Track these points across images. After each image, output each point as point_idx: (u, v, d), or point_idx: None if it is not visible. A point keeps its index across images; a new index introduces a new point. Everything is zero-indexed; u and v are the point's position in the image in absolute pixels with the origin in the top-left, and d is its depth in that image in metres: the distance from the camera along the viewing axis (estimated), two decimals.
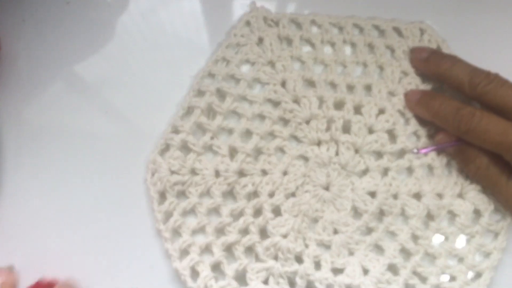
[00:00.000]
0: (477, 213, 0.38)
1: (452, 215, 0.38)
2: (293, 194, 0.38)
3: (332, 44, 0.41)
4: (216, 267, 0.37)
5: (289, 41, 0.41)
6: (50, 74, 0.42)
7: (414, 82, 0.40)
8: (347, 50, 0.41)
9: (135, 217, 0.39)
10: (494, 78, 0.36)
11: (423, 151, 0.38)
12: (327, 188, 0.38)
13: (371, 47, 0.41)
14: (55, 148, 0.40)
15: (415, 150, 0.38)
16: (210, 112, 0.40)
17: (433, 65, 0.38)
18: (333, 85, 0.40)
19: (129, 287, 0.37)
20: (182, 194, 0.38)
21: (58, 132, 0.40)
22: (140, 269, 0.38)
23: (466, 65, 0.37)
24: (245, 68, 0.41)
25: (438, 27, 0.41)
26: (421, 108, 0.38)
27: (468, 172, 0.38)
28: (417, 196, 0.38)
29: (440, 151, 0.38)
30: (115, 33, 0.43)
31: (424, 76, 0.40)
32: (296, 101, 0.39)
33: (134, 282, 0.38)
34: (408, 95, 0.39)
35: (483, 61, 0.37)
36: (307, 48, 0.41)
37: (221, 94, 0.40)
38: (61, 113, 0.41)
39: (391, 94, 0.40)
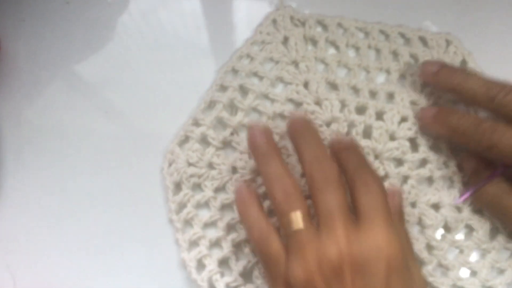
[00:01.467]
0: (496, 229, 0.37)
1: (469, 229, 0.38)
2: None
3: (357, 49, 0.41)
4: (224, 263, 0.37)
5: (314, 42, 0.41)
6: (50, 74, 0.42)
7: (437, 92, 0.39)
8: (372, 55, 0.41)
9: (136, 215, 0.39)
10: (510, 89, 0.34)
11: (463, 198, 0.37)
12: None
13: (395, 54, 0.41)
14: (55, 148, 0.40)
15: (455, 201, 0.37)
16: (232, 107, 0.40)
17: (444, 79, 0.36)
18: (355, 90, 0.40)
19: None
20: (197, 187, 0.39)
21: (58, 132, 0.40)
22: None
23: (479, 77, 0.35)
24: (268, 66, 0.41)
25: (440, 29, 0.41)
26: (438, 125, 0.36)
27: (480, 203, 0.37)
28: (436, 206, 0.38)
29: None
30: (115, 33, 0.43)
31: None
32: (318, 103, 0.39)
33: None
34: (422, 112, 0.38)
35: (484, 61, 0.38)
36: (331, 51, 0.41)
37: (243, 91, 0.40)
38: (61, 113, 0.41)
39: (414, 103, 0.39)
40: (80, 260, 0.38)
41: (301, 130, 0.34)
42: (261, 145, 0.34)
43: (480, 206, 0.37)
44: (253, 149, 0.34)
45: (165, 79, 0.41)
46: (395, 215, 0.34)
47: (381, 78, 0.40)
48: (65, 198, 0.39)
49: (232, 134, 0.39)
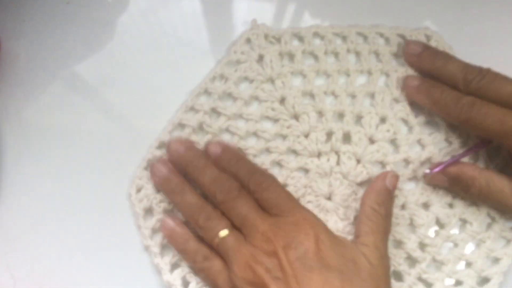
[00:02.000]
0: (491, 219, 0.37)
1: (463, 222, 0.37)
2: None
3: (336, 54, 0.41)
4: None
5: (291, 56, 0.41)
6: (50, 74, 0.41)
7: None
8: (352, 59, 0.41)
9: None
10: (486, 73, 0.36)
11: (436, 170, 0.37)
12: (329, 198, 0.38)
13: (376, 54, 0.40)
14: (55, 148, 0.40)
15: (428, 171, 0.37)
16: (201, 129, 0.39)
17: (426, 61, 0.39)
18: (334, 96, 0.39)
19: None
20: (169, 212, 0.38)
21: (58, 132, 0.40)
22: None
23: (459, 62, 0.38)
24: (243, 86, 0.40)
25: (440, 29, 0.41)
26: (421, 95, 0.38)
27: (471, 197, 0.37)
28: (425, 205, 0.38)
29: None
30: (115, 33, 0.42)
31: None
32: (295, 117, 0.39)
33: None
34: (407, 81, 0.39)
35: (484, 61, 0.37)
36: (310, 61, 0.41)
37: (215, 113, 0.39)
38: (61, 113, 0.41)
39: (396, 100, 0.39)
40: (80, 260, 0.38)
41: (189, 159, 0.37)
42: (169, 180, 0.37)
43: (474, 199, 0.37)
44: (162, 186, 0.37)
45: (165, 79, 0.41)
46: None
47: (362, 80, 0.40)
48: (65, 198, 0.39)
49: None
